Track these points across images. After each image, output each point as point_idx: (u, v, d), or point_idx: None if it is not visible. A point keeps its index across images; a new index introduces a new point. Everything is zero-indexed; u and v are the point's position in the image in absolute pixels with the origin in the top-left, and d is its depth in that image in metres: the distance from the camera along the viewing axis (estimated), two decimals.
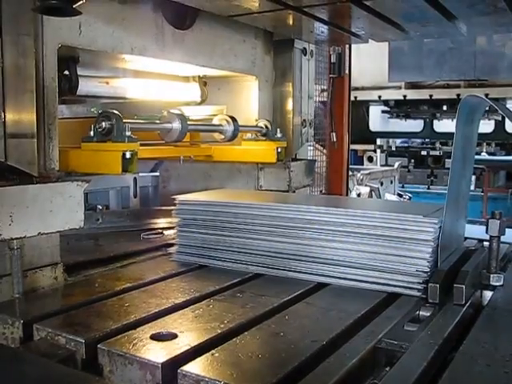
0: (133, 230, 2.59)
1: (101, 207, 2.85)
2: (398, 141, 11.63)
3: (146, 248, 2.24)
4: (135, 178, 3.30)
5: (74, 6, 1.41)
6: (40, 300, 1.63)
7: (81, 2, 1.40)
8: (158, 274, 1.85)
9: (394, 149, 11.14)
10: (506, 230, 1.73)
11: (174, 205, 2.06)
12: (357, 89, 9.36)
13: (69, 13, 1.43)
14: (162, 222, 2.65)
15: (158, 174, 3.46)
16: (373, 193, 5.95)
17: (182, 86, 2.76)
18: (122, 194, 3.29)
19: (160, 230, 2.53)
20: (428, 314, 1.49)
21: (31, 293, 1.65)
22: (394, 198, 6.60)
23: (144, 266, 2.01)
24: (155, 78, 2.55)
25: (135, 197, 3.34)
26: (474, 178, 8.45)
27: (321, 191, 4.81)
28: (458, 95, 9.01)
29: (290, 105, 2.85)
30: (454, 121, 1.65)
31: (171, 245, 2.10)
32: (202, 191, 2.36)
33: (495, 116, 9.45)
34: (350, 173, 5.64)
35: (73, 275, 1.84)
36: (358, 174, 6.08)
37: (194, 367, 1.13)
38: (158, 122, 2.14)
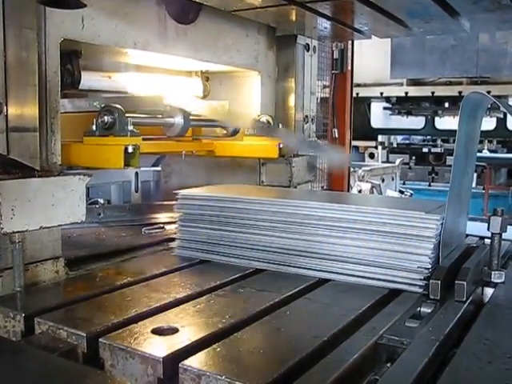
0: (134, 224, 2.60)
1: (102, 201, 2.86)
2: (400, 138, 11.63)
3: (147, 242, 2.24)
4: (137, 173, 3.30)
5: None
6: (41, 294, 1.63)
7: None
8: (159, 269, 1.85)
9: (395, 145, 11.14)
10: (508, 227, 1.73)
11: (176, 199, 2.06)
12: (359, 85, 9.34)
13: (74, 5, 1.43)
14: (163, 217, 2.65)
15: (159, 168, 3.46)
16: (374, 189, 5.95)
17: (185, 80, 2.75)
18: (123, 188, 3.29)
19: (161, 225, 2.53)
20: (429, 311, 1.49)
21: (32, 286, 1.65)
22: (396, 194, 6.60)
23: (145, 261, 2.01)
24: (158, 72, 2.55)
25: (137, 191, 3.34)
26: (475, 175, 8.44)
27: (322, 187, 4.80)
28: (460, 92, 8.97)
29: (292, 100, 2.85)
30: (456, 118, 1.65)
31: (172, 239, 2.10)
32: (204, 186, 2.36)
33: (497, 113, 9.43)
34: (352, 169, 5.64)
35: (74, 269, 1.84)
36: (360, 171, 6.08)
37: (195, 362, 1.13)
38: (160, 116, 2.14)
